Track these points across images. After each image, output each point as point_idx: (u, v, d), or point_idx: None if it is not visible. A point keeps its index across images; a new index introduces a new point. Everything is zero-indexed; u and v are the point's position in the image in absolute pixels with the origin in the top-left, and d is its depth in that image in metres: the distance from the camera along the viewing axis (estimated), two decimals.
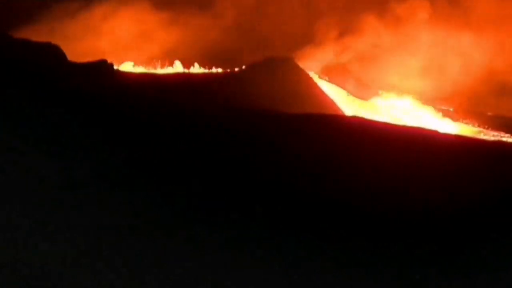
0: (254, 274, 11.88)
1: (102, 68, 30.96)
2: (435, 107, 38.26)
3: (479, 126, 36.35)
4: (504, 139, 33.66)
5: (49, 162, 16.28)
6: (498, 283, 12.64)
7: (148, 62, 37.41)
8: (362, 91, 37.65)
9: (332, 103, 34.83)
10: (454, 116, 37.38)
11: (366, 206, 16.67)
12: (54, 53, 30.78)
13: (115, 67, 32.29)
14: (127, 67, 35.98)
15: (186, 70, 36.52)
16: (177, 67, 37.01)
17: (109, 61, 32.19)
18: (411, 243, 14.66)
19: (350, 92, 36.97)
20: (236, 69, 35.35)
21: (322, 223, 15.12)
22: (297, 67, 35.15)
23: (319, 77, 36.51)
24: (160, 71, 36.11)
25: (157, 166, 17.81)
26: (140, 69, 36.50)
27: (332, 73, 37.83)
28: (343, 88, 37.03)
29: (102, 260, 11.55)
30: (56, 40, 32.12)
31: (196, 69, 36.87)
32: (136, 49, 38.19)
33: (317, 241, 13.95)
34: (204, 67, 37.00)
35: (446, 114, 37.61)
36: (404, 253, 14.04)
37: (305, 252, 13.25)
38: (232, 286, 11.44)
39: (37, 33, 33.51)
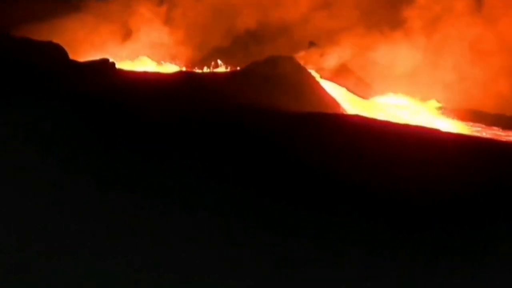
0: (253, 274, 11.88)
1: (104, 67, 30.95)
2: (435, 106, 38.24)
3: (478, 124, 36.34)
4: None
5: (49, 161, 16.30)
6: (496, 282, 12.62)
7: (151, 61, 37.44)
8: (364, 90, 37.64)
9: (334, 102, 34.81)
10: (453, 114, 37.36)
11: (368, 205, 16.67)
12: (55, 52, 30.78)
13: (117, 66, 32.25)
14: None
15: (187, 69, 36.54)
16: (178, 66, 37.01)
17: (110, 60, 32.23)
18: (412, 241, 14.64)
19: (352, 91, 36.95)
20: (238, 68, 35.35)
21: (321, 222, 15.11)
22: (299, 65, 35.12)
23: (321, 76, 36.48)
24: (162, 70, 36.09)
25: (157, 165, 17.82)
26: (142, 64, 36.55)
27: (333, 72, 37.81)
28: (345, 87, 37.00)
29: (101, 260, 11.56)
30: (57, 39, 32.15)
31: (197, 68, 36.89)
32: (136, 48, 38.17)
33: (316, 241, 13.94)
34: (206, 65, 37.01)
35: (445, 112, 37.60)
36: (406, 251, 14.03)
37: (303, 252, 13.24)
38: (232, 286, 11.44)
39: (38, 32, 33.48)
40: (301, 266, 12.42)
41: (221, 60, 37.24)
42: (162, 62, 37.26)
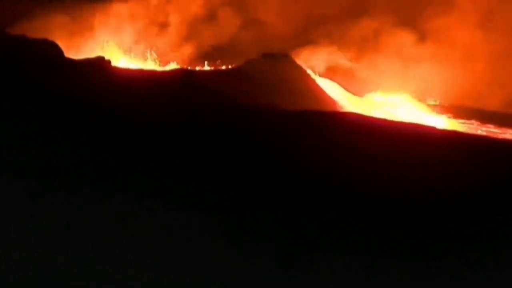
0: (254, 274, 11.90)
1: (100, 65, 30.95)
2: (429, 104, 38.36)
3: (473, 121, 36.44)
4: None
5: (48, 160, 16.30)
6: (492, 281, 12.64)
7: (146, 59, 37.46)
8: (359, 88, 37.74)
9: (330, 99, 34.91)
10: (446, 111, 37.48)
11: (363, 203, 16.70)
12: (50, 49, 30.77)
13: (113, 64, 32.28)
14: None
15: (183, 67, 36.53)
16: (175, 64, 37.02)
17: (106, 58, 32.24)
18: (410, 239, 14.67)
19: (347, 89, 37.04)
20: (233, 66, 35.40)
21: (319, 221, 15.13)
22: (295, 63, 35.21)
23: (316, 74, 36.56)
24: (158, 68, 36.13)
25: (155, 164, 17.84)
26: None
27: (329, 70, 37.92)
28: (340, 84, 37.08)
29: (101, 260, 11.57)
30: (52, 37, 32.14)
31: (193, 66, 36.92)
32: (133, 47, 38.17)
33: (315, 240, 13.96)
34: (202, 64, 37.04)
35: (440, 110, 37.72)
36: (404, 249, 14.05)
37: (301, 251, 13.26)
38: (232, 285, 11.45)
39: (34, 30, 33.48)
40: (300, 266, 12.46)
41: (216, 58, 37.28)
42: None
